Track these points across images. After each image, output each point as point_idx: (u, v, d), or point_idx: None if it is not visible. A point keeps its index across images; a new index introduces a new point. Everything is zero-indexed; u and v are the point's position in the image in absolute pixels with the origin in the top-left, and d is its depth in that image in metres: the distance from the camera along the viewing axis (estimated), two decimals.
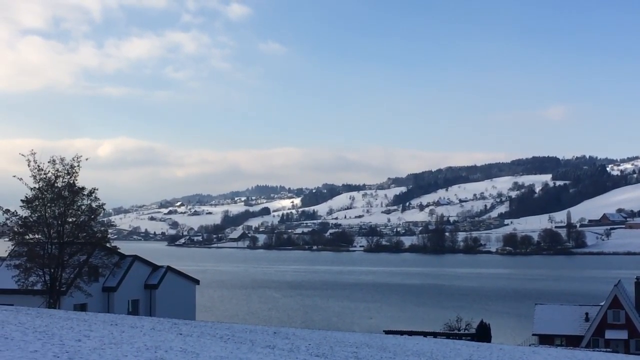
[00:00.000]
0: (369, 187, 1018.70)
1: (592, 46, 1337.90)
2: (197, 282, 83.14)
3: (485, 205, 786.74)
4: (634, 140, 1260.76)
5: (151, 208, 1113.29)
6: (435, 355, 34.80)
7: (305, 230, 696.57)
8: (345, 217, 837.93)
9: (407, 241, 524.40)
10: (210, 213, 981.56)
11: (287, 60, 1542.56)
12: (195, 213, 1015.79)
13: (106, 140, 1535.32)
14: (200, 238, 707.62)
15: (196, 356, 21.18)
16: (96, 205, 61.67)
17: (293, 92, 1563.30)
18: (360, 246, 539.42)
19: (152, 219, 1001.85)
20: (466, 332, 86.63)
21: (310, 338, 36.40)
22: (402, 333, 71.21)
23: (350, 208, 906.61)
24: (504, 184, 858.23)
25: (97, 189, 61.46)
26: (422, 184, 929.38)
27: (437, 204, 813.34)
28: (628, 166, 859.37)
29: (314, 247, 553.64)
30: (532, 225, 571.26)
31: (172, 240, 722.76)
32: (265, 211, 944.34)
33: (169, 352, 21.28)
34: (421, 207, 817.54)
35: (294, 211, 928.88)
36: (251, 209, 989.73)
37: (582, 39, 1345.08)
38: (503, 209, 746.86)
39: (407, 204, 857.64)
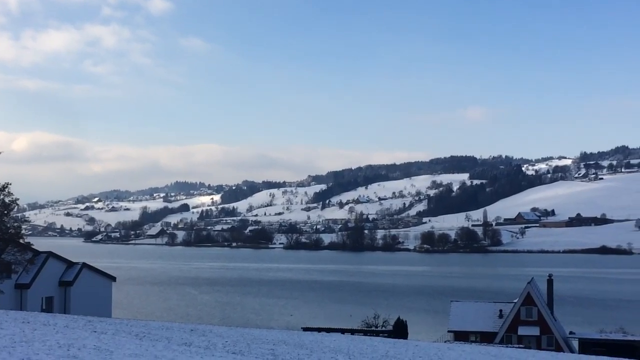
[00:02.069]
0: (290, 184, 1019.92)
1: (510, 50, 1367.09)
2: (113, 279, 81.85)
3: (404, 204, 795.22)
4: (549, 141, 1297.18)
5: (67, 204, 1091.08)
6: (352, 352, 34.99)
7: (225, 227, 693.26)
8: (265, 214, 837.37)
9: (327, 238, 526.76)
10: (128, 209, 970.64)
11: (209, 56, 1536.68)
12: (113, 209, 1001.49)
13: (21, 134, 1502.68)
14: (117, 234, 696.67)
15: (110, 354, 20.87)
16: (9, 201, 60.16)
17: (215, 89, 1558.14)
18: (280, 243, 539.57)
19: (68, 214, 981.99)
20: (383, 328, 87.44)
21: (227, 335, 36.25)
22: (320, 330, 71.46)
23: (270, 205, 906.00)
24: (422, 182, 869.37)
25: (10, 184, 59.95)
26: (342, 181, 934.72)
27: (357, 201, 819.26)
28: (542, 166, 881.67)
29: (234, 244, 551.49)
30: (450, 223, 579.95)
31: (88, 236, 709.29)
32: (185, 208, 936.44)
33: (82, 350, 20.92)
34: (341, 205, 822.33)
35: (213, 208, 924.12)
36: (170, 205, 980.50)
37: (501, 42, 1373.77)
38: (421, 207, 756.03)
39: (327, 201, 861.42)
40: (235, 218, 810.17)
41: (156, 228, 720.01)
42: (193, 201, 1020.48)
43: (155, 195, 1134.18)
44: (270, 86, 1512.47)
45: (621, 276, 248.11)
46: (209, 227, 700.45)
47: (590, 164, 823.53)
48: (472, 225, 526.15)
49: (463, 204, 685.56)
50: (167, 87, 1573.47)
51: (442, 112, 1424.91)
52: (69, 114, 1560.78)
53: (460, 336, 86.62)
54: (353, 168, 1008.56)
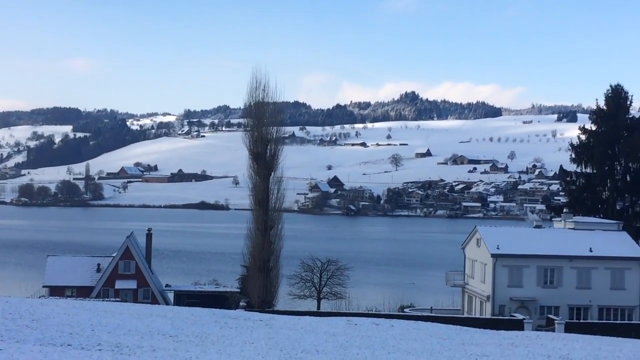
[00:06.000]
0: None
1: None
2: None
3: (2, 155, 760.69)
4: (154, 97, 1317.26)
5: None
6: None
7: None
8: None
9: None
10: None
11: None
12: None
13: None
14: None
15: None
16: None
17: None
18: None
19: None
20: None
21: None
22: None
23: None
24: (22, 132, 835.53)
25: None
26: None
27: None
28: (147, 122, 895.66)
29: None
30: (51, 176, 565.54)
31: None
32: None
33: None
34: None
35: None
36: None
37: None
38: (20, 158, 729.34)
39: None
40: None
41: None
42: None
43: None
44: None
45: (217, 230, 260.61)
46: None
47: (193, 122, 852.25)
48: (74, 179, 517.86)
49: (65, 156, 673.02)
50: None
51: (46, 60, 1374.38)
52: None
53: (56, 291, 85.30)
54: None
